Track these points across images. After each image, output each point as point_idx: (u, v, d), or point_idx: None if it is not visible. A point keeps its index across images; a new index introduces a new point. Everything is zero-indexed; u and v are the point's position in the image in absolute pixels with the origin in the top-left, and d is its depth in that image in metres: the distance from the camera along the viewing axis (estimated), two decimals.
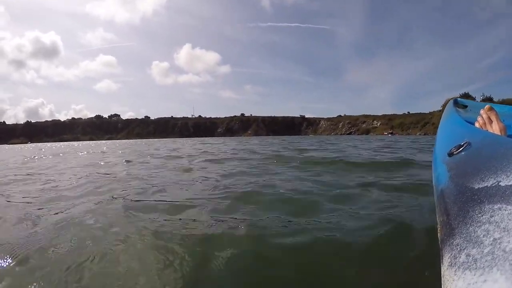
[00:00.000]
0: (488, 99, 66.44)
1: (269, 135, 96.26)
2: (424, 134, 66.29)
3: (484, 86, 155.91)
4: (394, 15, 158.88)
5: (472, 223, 0.60)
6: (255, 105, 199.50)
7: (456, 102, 2.19)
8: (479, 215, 0.60)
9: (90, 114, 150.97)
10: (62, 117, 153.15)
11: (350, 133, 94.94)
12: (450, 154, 1.01)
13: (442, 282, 0.57)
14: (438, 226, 0.73)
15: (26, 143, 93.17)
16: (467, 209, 0.65)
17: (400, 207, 2.46)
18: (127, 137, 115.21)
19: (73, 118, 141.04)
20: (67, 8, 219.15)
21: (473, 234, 0.58)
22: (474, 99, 69.11)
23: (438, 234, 0.71)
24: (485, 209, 0.60)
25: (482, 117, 1.33)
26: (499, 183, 0.64)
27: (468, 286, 0.47)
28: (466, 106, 2.16)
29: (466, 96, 70.01)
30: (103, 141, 60.54)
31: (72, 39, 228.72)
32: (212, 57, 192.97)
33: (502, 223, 0.54)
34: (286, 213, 2.35)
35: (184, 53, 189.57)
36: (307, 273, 1.51)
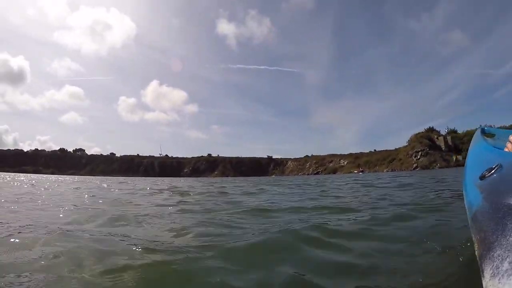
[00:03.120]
0: (453, 132, 67.75)
1: (236, 176, 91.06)
2: (392, 170, 64.79)
3: (447, 120, 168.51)
4: (359, 59, 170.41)
5: None
6: (222, 145, 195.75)
7: (483, 132, 2.27)
8: None
9: (55, 146, 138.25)
10: (26, 147, 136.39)
11: (317, 173, 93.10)
12: (482, 177, 1.09)
13: None
14: (475, 244, 0.77)
15: None
16: (505, 223, 0.68)
17: None
18: (91, 173, 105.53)
19: (36, 149, 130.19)
20: (36, 33, 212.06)
21: None
22: (438, 132, 71.32)
23: (476, 251, 0.74)
24: None
25: None
26: None
27: None
28: (493, 135, 2.25)
29: (431, 130, 71.62)
30: (66, 176, 53.78)
31: (39, 66, 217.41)
32: (179, 95, 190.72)
33: None
34: None
35: (150, 90, 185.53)
36: None
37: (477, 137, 2.16)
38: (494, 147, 1.65)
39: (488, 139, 2.10)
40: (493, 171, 1.05)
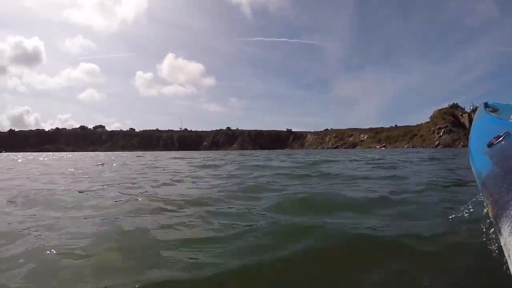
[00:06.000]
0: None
1: (255, 149, 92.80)
2: (412, 147, 64.34)
3: (471, 98, 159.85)
4: (382, 30, 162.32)
5: None
6: (240, 118, 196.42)
7: (486, 106, 2.30)
8: None
9: (76, 124, 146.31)
10: (48, 127, 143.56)
11: (337, 147, 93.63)
12: (490, 145, 1.12)
13: (505, 251, 0.60)
14: (489, 207, 0.78)
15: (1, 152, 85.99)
16: None
17: None
18: (111, 149, 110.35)
19: (57, 128, 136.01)
20: (47, 13, 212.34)
21: None
22: (463, 109, 69.36)
23: (490, 214, 0.76)
24: None
25: None
26: None
27: None
28: (497, 110, 2.24)
29: (455, 106, 69.61)
30: (86, 153, 56.23)
31: (54, 46, 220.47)
32: (195, 68, 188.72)
33: None
34: None
35: (167, 64, 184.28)
36: None
37: (480, 111, 2.21)
38: (499, 119, 1.67)
39: (492, 113, 2.11)
40: (501, 138, 1.08)
